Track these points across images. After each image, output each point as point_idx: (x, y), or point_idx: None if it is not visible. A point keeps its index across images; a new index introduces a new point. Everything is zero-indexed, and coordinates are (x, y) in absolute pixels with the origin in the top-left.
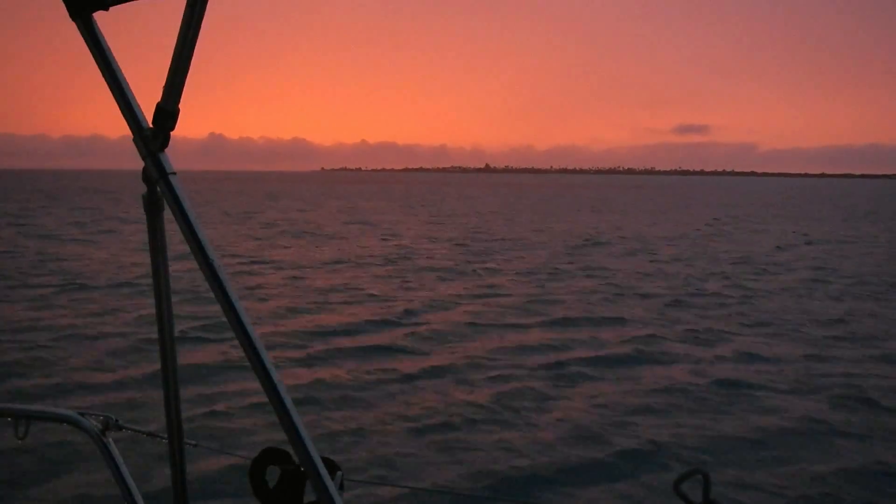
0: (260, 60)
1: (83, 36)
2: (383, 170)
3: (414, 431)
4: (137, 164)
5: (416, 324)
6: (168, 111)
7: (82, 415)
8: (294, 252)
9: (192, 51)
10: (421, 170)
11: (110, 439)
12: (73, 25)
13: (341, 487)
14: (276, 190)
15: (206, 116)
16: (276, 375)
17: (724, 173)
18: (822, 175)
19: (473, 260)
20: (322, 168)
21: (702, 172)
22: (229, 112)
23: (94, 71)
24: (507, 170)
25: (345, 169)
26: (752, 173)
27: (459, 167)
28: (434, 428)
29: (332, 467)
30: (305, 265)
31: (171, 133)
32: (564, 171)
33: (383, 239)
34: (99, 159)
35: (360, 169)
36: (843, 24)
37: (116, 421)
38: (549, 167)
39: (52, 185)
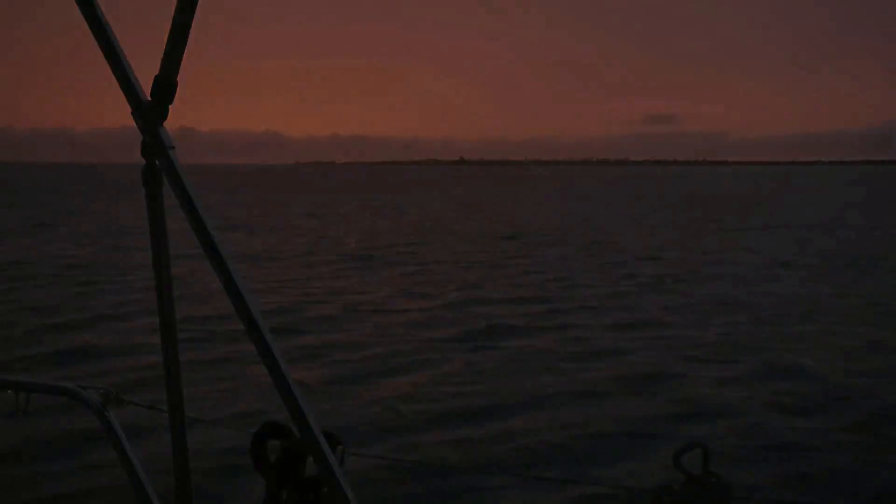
0: (230, 52)
1: (80, 7)
2: (356, 163)
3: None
4: (108, 158)
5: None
6: (167, 83)
7: (83, 388)
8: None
9: (191, 20)
10: (394, 163)
11: (111, 412)
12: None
13: (342, 462)
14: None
15: (175, 109)
16: (276, 350)
17: (696, 163)
18: (793, 163)
19: None
20: (297, 162)
21: (675, 162)
22: (200, 105)
23: (68, 58)
24: (481, 162)
25: (318, 162)
26: (724, 162)
27: (433, 159)
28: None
29: (333, 441)
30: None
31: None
32: (539, 161)
33: None
34: (64, 152)
35: (333, 162)
36: (804, 10)
37: (117, 394)
38: (523, 158)
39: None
